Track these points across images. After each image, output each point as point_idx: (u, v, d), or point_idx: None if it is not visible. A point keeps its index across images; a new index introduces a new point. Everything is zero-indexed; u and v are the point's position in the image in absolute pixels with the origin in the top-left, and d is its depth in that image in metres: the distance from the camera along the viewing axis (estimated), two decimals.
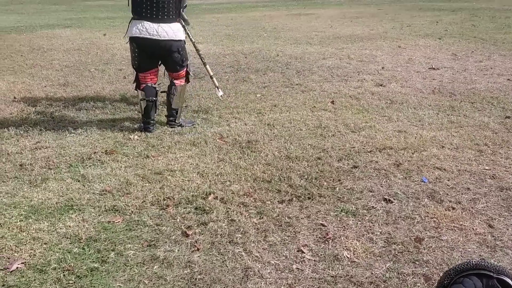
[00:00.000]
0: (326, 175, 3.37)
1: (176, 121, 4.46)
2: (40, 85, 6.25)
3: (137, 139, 4.13)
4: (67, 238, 2.58)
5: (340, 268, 2.32)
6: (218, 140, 4.07)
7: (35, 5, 21.83)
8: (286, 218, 2.79)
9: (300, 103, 5.17)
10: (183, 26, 4.42)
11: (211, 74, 5.03)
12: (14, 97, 5.57)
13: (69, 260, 2.38)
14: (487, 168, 3.48)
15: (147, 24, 4.15)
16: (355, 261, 2.37)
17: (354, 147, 3.87)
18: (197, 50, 4.93)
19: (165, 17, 4.17)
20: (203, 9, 19.33)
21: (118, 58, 8.25)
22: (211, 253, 2.45)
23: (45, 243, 2.53)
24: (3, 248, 2.50)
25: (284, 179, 3.28)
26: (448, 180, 3.28)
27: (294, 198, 3.02)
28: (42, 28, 12.72)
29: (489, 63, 7.27)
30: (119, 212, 2.86)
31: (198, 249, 2.47)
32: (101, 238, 2.57)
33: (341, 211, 2.87)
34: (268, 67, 7.26)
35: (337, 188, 3.17)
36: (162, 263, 2.36)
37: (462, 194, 3.09)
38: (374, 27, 12.19)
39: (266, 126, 4.41)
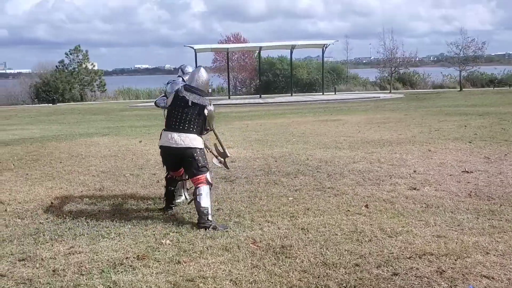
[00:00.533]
0: (366, 283, 3.20)
1: (208, 220, 4.55)
2: (77, 190, 6.42)
3: (169, 244, 4.09)
4: None
5: None
6: (251, 245, 3.99)
7: (76, 115, 23.23)
8: None
9: (333, 207, 5.11)
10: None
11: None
12: (51, 202, 5.71)
13: None
14: None
15: (172, 135, 4.88)
16: None
17: (392, 253, 3.72)
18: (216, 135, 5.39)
19: (186, 128, 4.86)
20: (232, 117, 20.13)
21: (152, 163, 8.49)
22: None
23: None
24: None
25: None
26: None
27: None
28: (81, 136, 13.38)
29: None
30: None
31: None
32: None
33: None
34: (299, 171, 7.31)
35: None
36: None
37: None
38: (402, 132, 12.34)
39: (300, 230, 4.33)
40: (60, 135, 13.90)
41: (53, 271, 3.55)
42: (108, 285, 3.27)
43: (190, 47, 35.48)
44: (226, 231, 4.38)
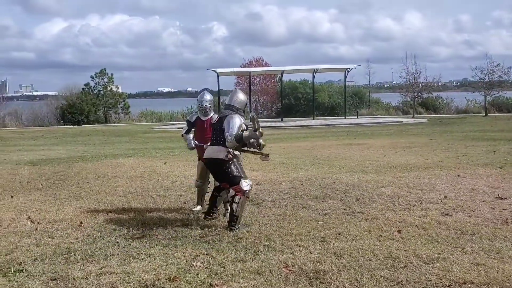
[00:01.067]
0: None
1: (236, 226, 5.22)
2: (105, 210, 6.45)
3: (200, 266, 4.05)
4: None
5: None
6: (283, 269, 3.92)
7: (100, 136, 23.59)
8: None
9: (365, 232, 5.01)
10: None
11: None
12: (81, 222, 5.74)
13: None
14: None
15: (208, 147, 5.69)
16: None
17: (430, 280, 3.61)
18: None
19: (214, 141, 5.57)
20: None
21: (178, 185, 8.51)
22: None
23: None
24: None
25: None
26: None
27: None
28: (107, 157, 13.54)
29: None
30: None
31: None
32: None
33: None
34: (326, 194, 7.22)
35: None
36: None
37: None
38: (428, 157, 12.14)
39: (333, 255, 4.24)
40: (86, 156, 14.09)
41: None
42: None
43: (213, 70, 35.92)
44: (257, 255, 4.32)
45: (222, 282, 3.68)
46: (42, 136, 24.71)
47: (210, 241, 4.80)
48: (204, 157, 5.76)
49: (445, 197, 6.88)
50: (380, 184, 8.13)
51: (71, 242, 4.88)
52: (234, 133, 5.39)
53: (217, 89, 36.82)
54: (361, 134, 22.42)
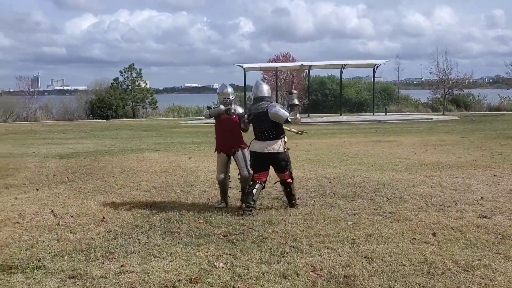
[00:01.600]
0: None
1: (296, 203, 6.09)
2: (129, 205, 6.35)
3: (223, 267, 3.87)
4: None
5: None
6: (311, 273, 3.70)
7: (128, 131, 23.74)
8: None
9: (397, 234, 4.73)
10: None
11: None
12: (103, 217, 5.64)
13: None
14: None
15: (258, 143, 5.95)
16: None
17: None
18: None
19: (267, 137, 5.89)
20: None
21: (202, 180, 8.37)
22: None
23: None
24: None
25: None
26: None
27: None
28: (133, 151, 13.54)
29: None
30: None
31: None
32: None
33: None
34: (356, 193, 6.95)
35: None
36: None
37: None
38: (461, 155, 11.67)
39: (364, 259, 3.99)
40: (113, 149, 14.13)
41: None
42: None
43: (240, 66, 35.76)
44: (283, 257, 4.10)
45: (245, 286, 3.49)
46: (71, 129, 25.06)
47: (234, 241, 4.60)
48: (258, 151, 5.91)
49: (482, 198, 6.51)
50: (411, 183, 7.80)
51: (92, 238, 4.77)
52: (289, 114, 5.82)
53: (243, 85, 36.69)
54: (390, 131, 21.88)
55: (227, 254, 4.20)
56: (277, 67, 39.60)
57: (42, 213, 5.98)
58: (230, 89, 6.46)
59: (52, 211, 6.07)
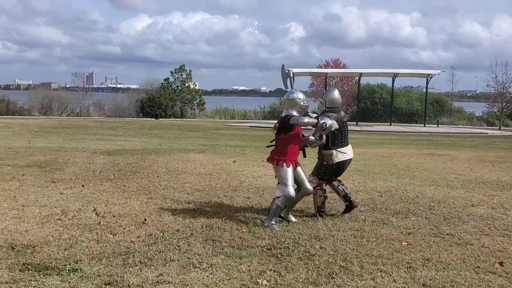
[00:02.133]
0: None
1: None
2: (171, 208, 6.20)
3: (266, 285, 3.59)
4: None
5: None
6: None
7: (175, 130, 23.95)
8: None
9: (458, 260, 4.29)
10: None
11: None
12: (145, 219, 5.50)
13: None
14: None
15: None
16: None
17: None
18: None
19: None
20: None
21: (246, 186, 8.14)
22: None
23: None
24: None
25: None
26: None
27: None
28: (179, 151, 13.52)
29: None
30: None
31: None
32: None
33: None
34: (409, 210, 6.50)
35: None
36: None
37: None
38: None
39: (422, 287, 3.60)
40: (160, 149, 14.18)
41: None
42: None
43: (288, 70, 35.53)
44: (334, 276, 3.77)
45: None
46: (121, 127, 25.57)
47: (279, 255, 4.31)
48: (351, 157, 6.14)
49: None
50: (469, 202, 7.25)
51: (131, 241, 4.62)
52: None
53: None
54: (443, 144, 20.94)
55: (271, 270, 3.92)
56: (326, 73, 39.02)
57: (85, 211, 5.92)
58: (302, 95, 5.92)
59: (95, 209, 6.00)
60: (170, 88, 44.58)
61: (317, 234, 5.03)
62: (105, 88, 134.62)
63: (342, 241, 4.82)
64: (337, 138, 5.94)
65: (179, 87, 45.17)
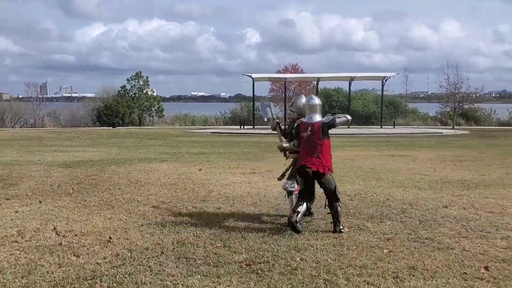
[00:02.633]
0: None
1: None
2: (137, 223, 5.82)
3: None
4: None
5: None
6: None
7: (134, 139, 23.28)
8: None
9: (443, 266, 4.17)
10: None
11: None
12: (110, 237, 5.11)
13: None
14: None
15: None
16: None
17: None
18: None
19: None
20: None
21: (215, 195, 7.84)
22: None
23: None
24: None
25: None
26: None
27: None
28: (140, 161, 13.03)
29: None
30: None
31: None
32: None
33: None
34: (383, 214, 6.40)
35: None
36: None
37: None
38: (485, 172, 11.09)
39: None
40: (119, 159, 13.64)
41: None
42: None
43: (249, 76, 35.41)
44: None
45: None
46: (78, 137, 24.63)
47: (259, 271, 4.04)
48: None
49: None
50: (441, 203, 7.24)
51: (97, 263, 4.24)
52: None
53: (251, 95, 36.27)
54: (401, 145, 21.29)
55: (252, 287, 3.65)
56: (286, 78, 39.19)
57: (44, 230, 5.46)
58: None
59: (54, 228, 5.56)
60: (127, 95, 43.56)
61: (296, 244, 4.81)
62: (60, 98, 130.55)
63: (322, 251, 4.62)
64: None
65: (137, 94, 44.20)
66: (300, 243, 4.84)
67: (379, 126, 36.46)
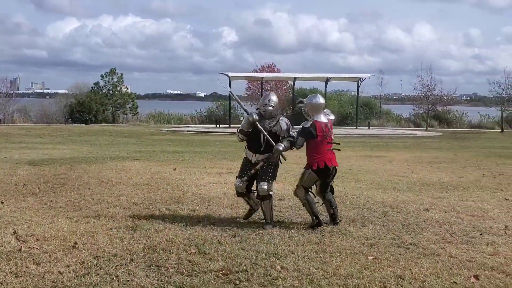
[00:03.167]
0: None
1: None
2: (106, 226, 5.45)
3: None
4: None
5: None
6: None
7: (107, 137, 22.66)
8: None
9: (431, 275, 3.96)
10: None
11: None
12: (75, 243, 4.73)
13: None
14: None
15: None
16: None
17: None
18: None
19: None
20: None
21: (190, 196, 7.51)
22: None
23: None
24: None
25: None
26: None
27: None
28: (111, 159, 12.57)
29: None
30: None
31: None
32: None
33: None
34: (364, 217, 6.19)
35: None
36: None
37: None
38: (461, 174, 11.07)
39: None
40: (90, 157, 13.13)
41: None
42: None
43: (225, 74, 35.00)
44: None
45: None
46: (49, 134, 23.83)
47: (237, 281, 3.75)
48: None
49: (506, 227, 5.82)
50: (421, 206, 7.09)
51: (59, 272, 3.87)
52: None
53: (227, 94, 35.91)
54: (377, 146, 21.31)
55: None
56: (262, 78, 39.00)
57: (2, 234, 5.05)
58: None
59: (15, 232, 5.15)
60: (100, 92, 42.56)
61: (275, 250, 4.54)
62: (31, 94, 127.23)
63: (304, 258, 4.35)
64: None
65: (111, 91, 43.25)
66: (280, 249, 4.57)
67: (355, 127, 36.59)
